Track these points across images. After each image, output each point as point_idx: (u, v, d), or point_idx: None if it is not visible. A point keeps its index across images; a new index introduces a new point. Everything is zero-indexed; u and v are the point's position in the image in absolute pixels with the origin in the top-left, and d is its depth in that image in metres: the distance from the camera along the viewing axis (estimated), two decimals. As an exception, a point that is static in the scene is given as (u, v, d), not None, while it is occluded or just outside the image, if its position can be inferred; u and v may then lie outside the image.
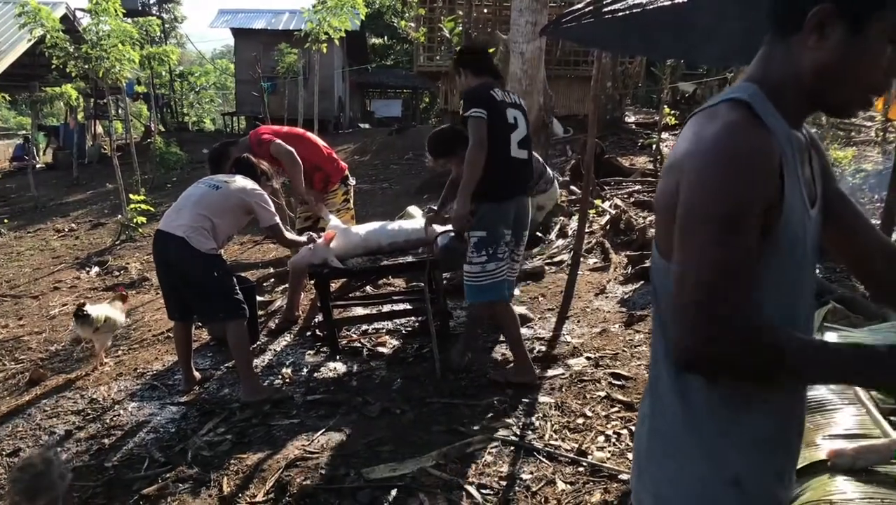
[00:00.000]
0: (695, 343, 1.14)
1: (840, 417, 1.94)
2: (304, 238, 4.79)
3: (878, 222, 4.53)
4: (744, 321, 1.13)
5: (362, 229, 5.04)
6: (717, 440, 1.27)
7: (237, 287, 4.37)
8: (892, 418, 1.87)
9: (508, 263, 4.22)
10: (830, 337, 2.48)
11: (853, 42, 1.16)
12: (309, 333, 5.40)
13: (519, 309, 5.47)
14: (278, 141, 5.17)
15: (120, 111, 18.47)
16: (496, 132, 3.97)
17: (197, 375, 4.65)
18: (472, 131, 3.92)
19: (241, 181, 4.46)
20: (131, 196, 10.16)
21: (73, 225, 11.70)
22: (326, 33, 11.45)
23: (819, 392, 2.07)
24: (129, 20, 10.91)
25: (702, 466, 1.28)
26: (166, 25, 25.71)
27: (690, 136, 1.21)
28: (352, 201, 5.77)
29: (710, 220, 1.14)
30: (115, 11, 9.93)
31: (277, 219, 4.48)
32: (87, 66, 9.97)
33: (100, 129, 22.58)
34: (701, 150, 1.17)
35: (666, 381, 1.32)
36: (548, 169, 5.53)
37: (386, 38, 34.41)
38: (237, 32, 22.88)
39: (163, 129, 22.43)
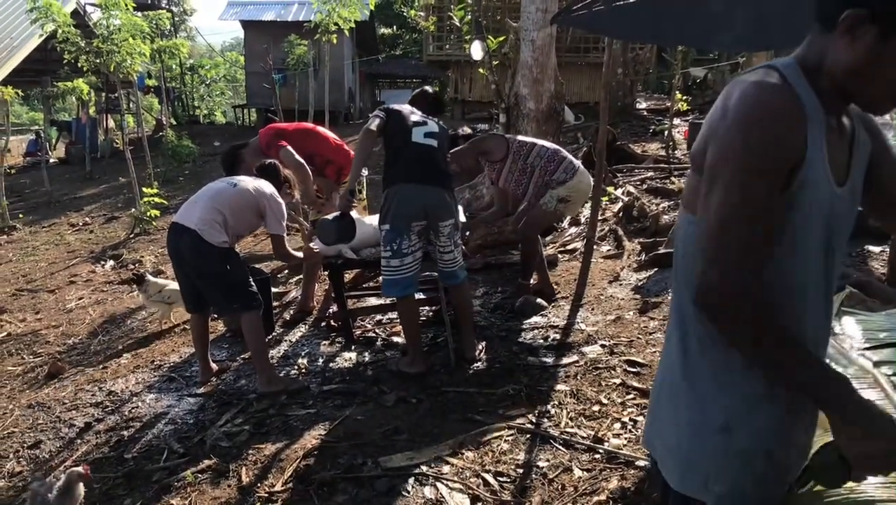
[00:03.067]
0: (711, 279, 1.24)
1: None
2: (300, 255, 4.83)
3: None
4: (757, 266, 1.23)
5: (375, 220, 5.04)
6: (709, 391, 1.39)
7: (250, 279, 4.39)
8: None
9: (417, 260, 4.27)
10: (847, 322, 2.48)
11: (883, 47, 1.20)
12: (324, 324, 5.42)
13: (532, 297, 5.49)
14: (289, 149, 5.19)
15: (131, 105, 18.51)
16: (394, 124, 4.28)
17: (214, 366, 4.69)
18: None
19: (261, 184, 4.47)
20: (144, 189, 10.21)
21: (87, 219, 11.77)
22: (336, 24, 11.46)
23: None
24: (140, 14, 10.96)
25: (694, 412, 1.41)
26: (176, 18, 25.68)
27: (725, 96, 1.29)
28: (364, 192, 5.79)
29: (739, 171, 1.22)
30: (126, 5, 9.97)
31: (284, 231, 4.50)
32: (98, 61, 10.01)
33: (112, 124, 22.65)
34: (732, 106, 1.24)
35: (674, 338, 1.46)
36: (569, 157, 5.43)
37: (395, 27, 34.33)
38: (247, 24, 22.86)
39: (174, 123, 22.51)
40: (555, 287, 5.85)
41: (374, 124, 4.22)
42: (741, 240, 1.22)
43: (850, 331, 2.38)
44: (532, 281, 5.64)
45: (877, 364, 2.10)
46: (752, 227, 1.22)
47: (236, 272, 4.30)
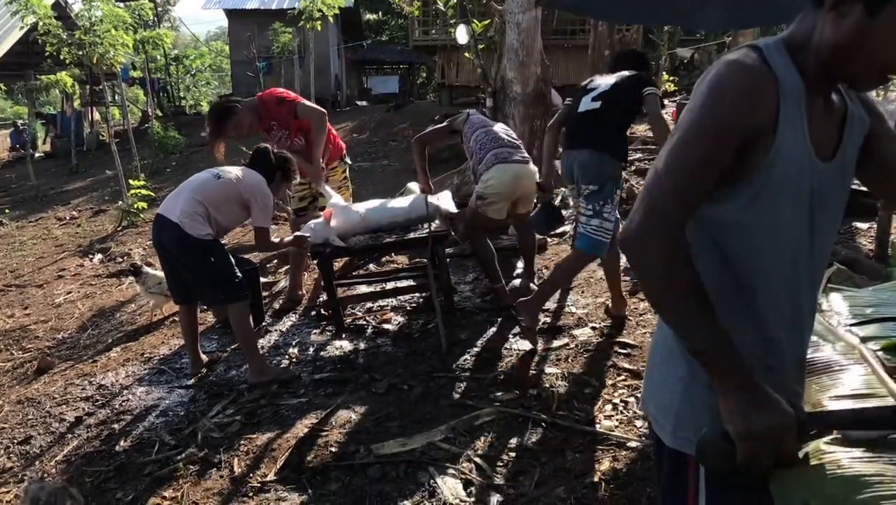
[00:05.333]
0: (635, 218, 1.30)
1: (847, 378, 1.94)
2: (285, 240, 4.72)
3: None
4: (681, 219, 1.29)
5: (362, 207, 5.02)
6: None
7: (236, 270, 4.35)
8: (898, 377, 1.86)
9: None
10: (834, 298, 2.48)
11: (869, 24, 1.21)
12: (314, 313, 5.41)
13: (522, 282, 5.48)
14: (305, 102, 5.10)
15: (116, 97, 18.37)
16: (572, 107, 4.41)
17: (204, 357, 4.67)
18: None
19: (247, 175, 4.37)
20: (131, 182, 10.14)
21: (74, 213, 11.69)
22: (320, 10, 11.39)
23: (825, 353, 2.07)
24: (122, 4, 10.84)
25: (683, 370, 1.45)
26: (159, 9, 25.49)
27: (703, 77, 1.33)
28: (349, 180, 5.74)
29: (694, 125, 1.28)
30: (107, -4, 9.87)
31: (269, 224, 4.42)
32: (80, 53, 9.89)
33: (97, 116, 22.48)
34: (705, 80, 1.31)
35: None
36: (500, 148, 4.94)
37: (381, 13, 34.15)
38: (231, 13, 22.72)
39: (160, 114, 22.34)
40: (544, 271, 5.84)
41: (556, 119, 4.55)
42: (672, 190, 1.28)
43: (836, 307, 2.38)
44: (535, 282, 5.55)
45: (863, 340, 2.09)
46: (682, 181, 1.28)
47: (221, 263, 4.26)
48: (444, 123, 5.41)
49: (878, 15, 1.20)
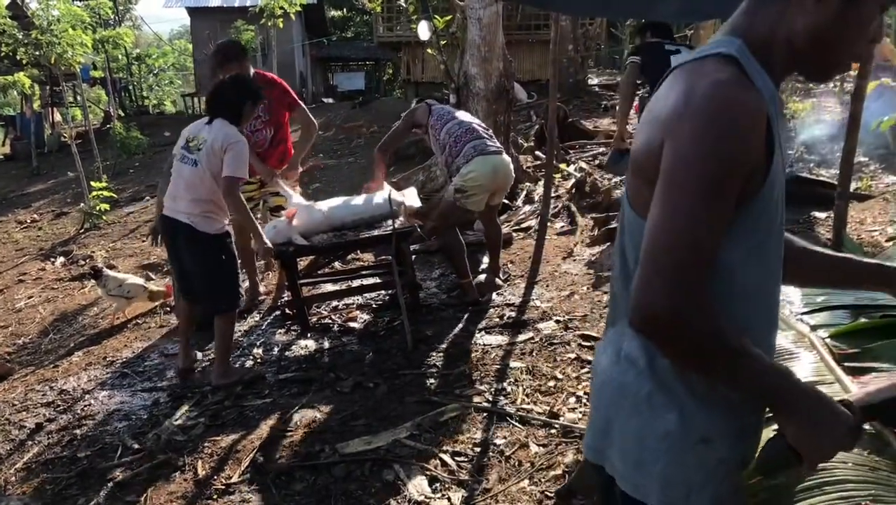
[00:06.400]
0: (653, 298, 1.13)
1: (797, 366, 1.98)
2: (248, 214, 4.36)
3: (837, 171, 4.59)
4: (704, 289, 1.13)
5: (325, 206, 4.99)
6: (687, 400, 1.26)
7: (240, 278, 4.35)
8: (846, 364, 1.91)
9: None
10: (787, 287, 2.52)
11: (848, 9, 1.16)
12: (278, 312, 5.37)
13: (487, 276, 5.50)
14: (305, 109, 5.33)
15: (77, 98, 18.09)
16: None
17: (199, 354, 4.67)
18: None
19: (215, 136, 4.04)
20: (93, 184, 9.98)
21: (35, 216, 11.49)
22: (282, 8, 11.31)
23: (776, 342, 2.10)
24: (80, 3, 10.66)
25: (670, 423, 1.27)
26: (120, 7, 25.13)
27: (679, 93, 1.18)
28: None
29: (697, 179, 1.12)
30: (64, -5, 9.71)
31: (242, 175, 4.08)
32: (38, 53, 9.72)
33: (58, 117, 22.11)
34: (691, 109, 1.14)
35: (633, 338, 1.30)
36: (478, 140, 4.91)
37: (345, 9, 33.97)
38: (192, 11, 22.49)
39: (122, 114, 22.04)
40: (509, 266, 5.87)
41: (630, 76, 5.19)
42: (690, 256, 1.12)
43: (790, 296, 2.43)
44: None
45: (814, 328, 2.14)
46: (703, 243, 1.13)
47: (228, 267, 4.22)
48: (401, 122, 5.29)
49: (857, 1, 1.16)
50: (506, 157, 5.02)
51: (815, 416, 1.18)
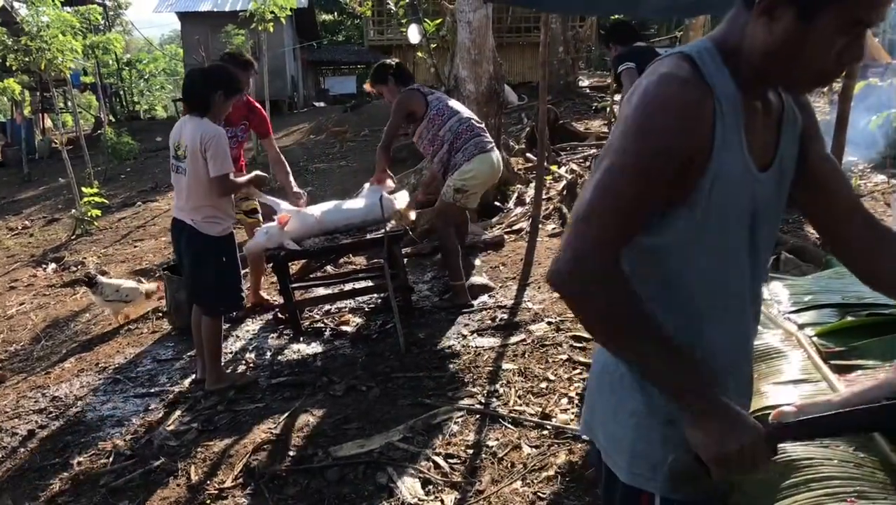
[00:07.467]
0: (561, 263, 1.21)
1: (784, 365, 1.99)
2: (247, 177, 4.39)
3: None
4: (612, 262, 1.21)
5: (317, 210, 4.98)
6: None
7: (242, 283, 4.35)
8: (832, 362, 1.92)
9: None
10: (776, 286, 2.54)
11: (802, 29, 1.15)
12: (270, 317, 5.37)
13: (480, 279, 5.52)
14: (275, 145, 5.39)
15: (68, 103, 18.04)
16: None
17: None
18: None
19: (192, 135, 3.96)
20: (84, 189, 9.95)
21: (26, 222, 11.45)
22: (272, 12, 11.30)
23: (764, 340, 2.12)
24: (69, 9, 10.62)
25: (638, 403, 1.36)
26: (110, 13, 25.08)
27: (634, 86, 1.25)
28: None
29: (622, 157, 1.20)
30: (53, 1, 9.67)
31: (227, 169, 4.01)
32: (27, 59, 9.69)
33: (49, 123, 22.05)
34: (634, 101, 1.22)
35: None
36: (479, 138, 5.01)
37: (336, 13, 33.96)
38: (183, 16, 22.42)
39: (113, 120, 21.99)
40: (501, 268, 5.89)
41: None
42: (606, 226, 1.20)
43: (778, 295, 2.45)
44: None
45: (801, 326, 2.16)
46: (616, 219, 1.21)
47: (230, 269, 4.22)
48: (393, 116, 5.16)
49: (811, 21, 1.14)
50: (497, 151, 5.16)
51: (721, 424, 1.19)
